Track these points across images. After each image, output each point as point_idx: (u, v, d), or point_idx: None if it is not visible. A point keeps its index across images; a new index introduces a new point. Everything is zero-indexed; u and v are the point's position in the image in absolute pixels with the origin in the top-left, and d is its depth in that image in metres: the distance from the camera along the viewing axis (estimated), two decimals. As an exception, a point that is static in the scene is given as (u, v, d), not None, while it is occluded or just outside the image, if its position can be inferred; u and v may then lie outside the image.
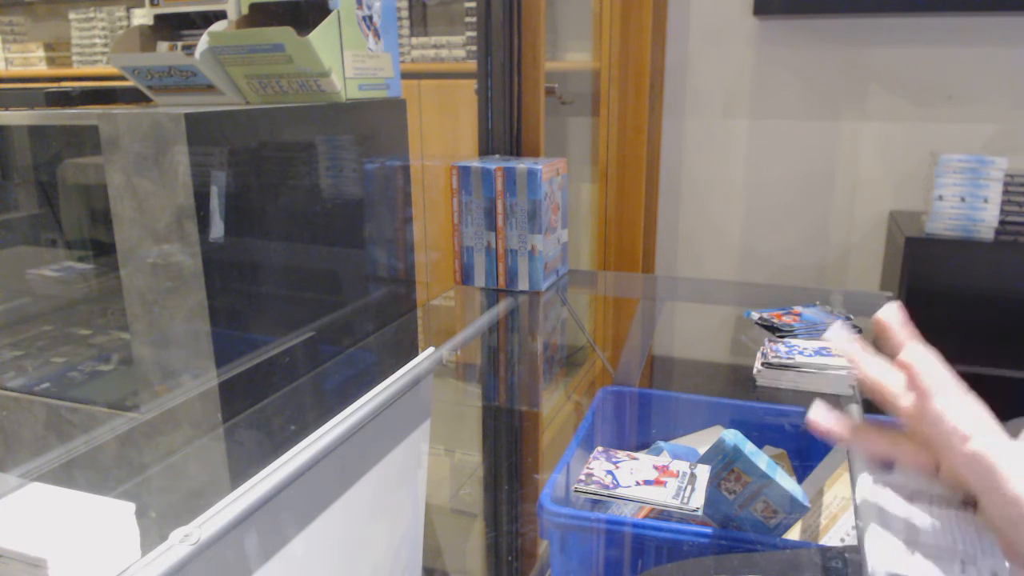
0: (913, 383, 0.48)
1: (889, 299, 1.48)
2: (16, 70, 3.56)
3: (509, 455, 1.48)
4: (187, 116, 0.87)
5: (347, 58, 1.15)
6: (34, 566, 0.56)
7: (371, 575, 0.83)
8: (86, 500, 0.63)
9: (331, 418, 0.72)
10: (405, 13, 2.77)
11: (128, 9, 3.40)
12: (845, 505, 0.93)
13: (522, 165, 1.38)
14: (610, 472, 0.89)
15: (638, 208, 2.38)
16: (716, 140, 2.50)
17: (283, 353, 1.06)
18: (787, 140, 2.42)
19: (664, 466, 0.90)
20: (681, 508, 0.82)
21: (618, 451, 0.94)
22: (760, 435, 1.14)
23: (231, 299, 0.96)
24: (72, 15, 3.45)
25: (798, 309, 1.32)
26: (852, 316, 1.29)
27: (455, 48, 2.72)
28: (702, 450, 0.99)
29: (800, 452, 1.13)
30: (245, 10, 1.13)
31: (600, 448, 0.95)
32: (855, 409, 0.86)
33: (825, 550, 0.75)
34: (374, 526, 0.82)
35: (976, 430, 0.45)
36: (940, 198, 1.97)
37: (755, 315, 1.30)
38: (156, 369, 0.97)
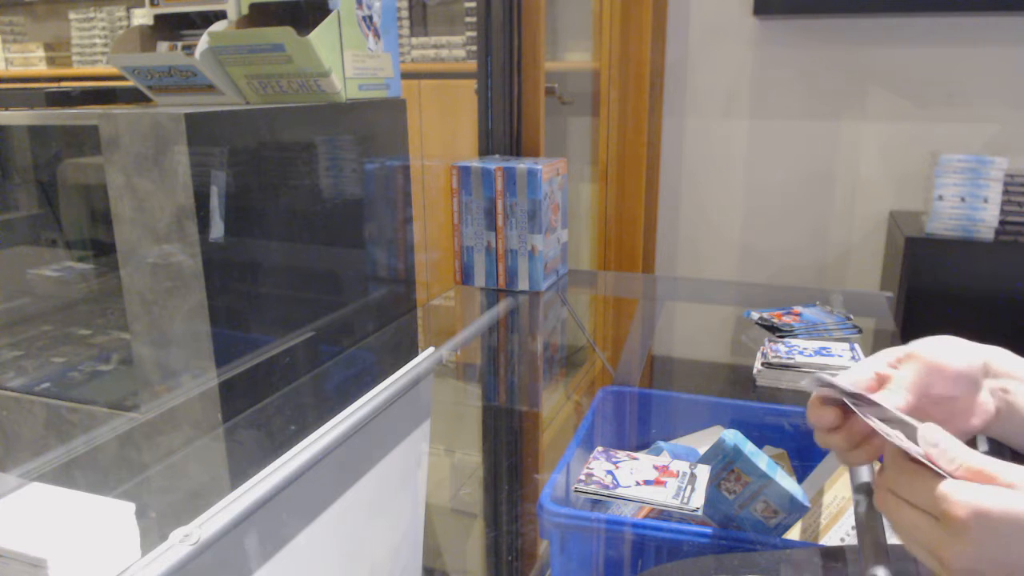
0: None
1: (889, 299, 1.48)
2: (16, 70, 3.56)
3: (509, 455, 1.48)
4: (187, 116, 0.87)
5: (347, 58, 1.15)
6: (34, 566, 0.56)
7: (371, 575, 0.83)
8: (86, 500, 0.63)
9: (331, 418, 0.72)
10: (405, 13, 2.77)
11: (128, 9, 3.40)
12: (845, 505, 0.93)
13: (522, 165, 1.38)
14: (610, 472, 0.89)
15: (638, 208, 2.38)
16: (716, 140, 2.50)
17: (283, 353, 1.06)
18: (787, 140, 2.42)
19: (664, 466, 0.90)
20: (681, 508, 0.82)
21: (618, 451, 0.94)
22: (760, 435, 1.13)
23: (231, 299, 0.96)
24: (72, 15, 3.45)
25: (798, 309, 1.32)
26: (852, 316, 1.29)
27: (455, 48, 2.72)
28: (702, 450, 0.99)
29: (800, 452, 1.13)
30: (245, 10, 1.13)
31: (600, 448, 0.95)
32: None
33: (825, 550, 0.75)
34: (374, 526, 0.82)
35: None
36: (940, 198, 1.97)
37: (755, 315, 1.30)
38: (156, 369, 0.97)
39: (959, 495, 0.44)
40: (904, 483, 0.49)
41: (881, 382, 0.58)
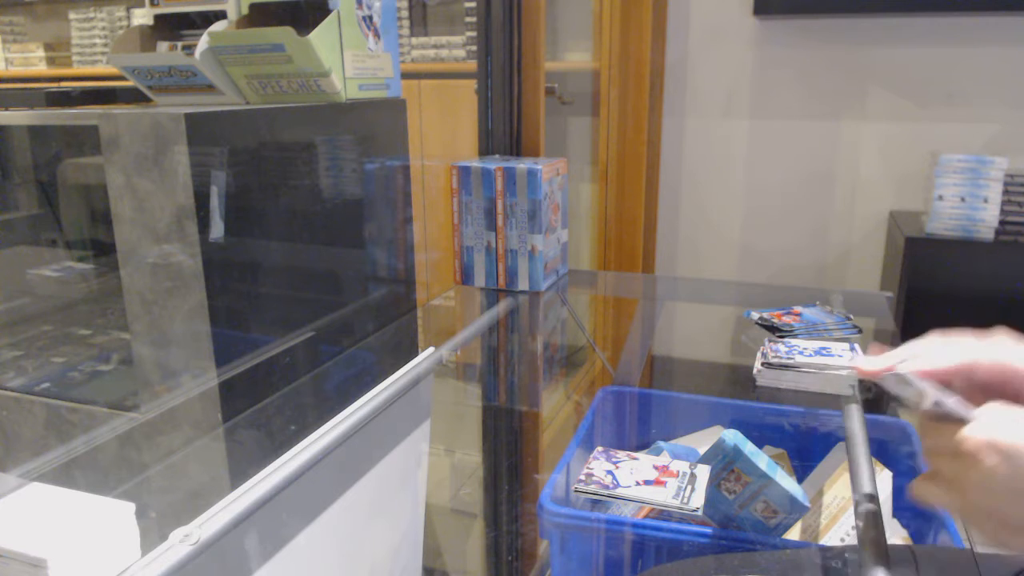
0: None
1: (889, 299, 1.48)
2: (16, 70, 3.56)
3: (509, 455, 1.48)
4: (187, 116, 0.87)
5: (347, 58, 1.15)
6: (34, 566, 0.56)
7: (371, 575, 0.83)
8: (86, 500, 0.63)
9: (331, 418, 0.72)
10: (405, 13, 2.77)
11: (128, 9, 3.40)
12: (845, 505, 0.93)
13: (522, 165, 1.38)
14: (610, 472, 0.89)
15: (638, 208, 2.38)
16: (716, 140, 2.50)
17: (283, 353, 1.06)
18: (787, 140, 2.42)
19: (664, 466, 0.90)
20: (681, 508, 0.82)
21: (618, 451, 0.94)
22: (760, 435, 1.13)
23: (231, 299, 0.96)
24: (72, 15, 3.45)
25: (798, 309, 1.32)
26: (852, 316, 1.29)
27: (455, 48, 2.72)
28: (702, 450, 0.99)
29: (800, 452, 1.13)
30: (245, 10, 1.13)
31: (600, 448, 0.95)
32: (855, 409, 0.86)
33: (825, 550, 0.75)
34: (374, 526, 0.82)
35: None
36: (940, 198, 1.97)
37: (755, 315, 1.30)
38: (156, 369, 0.97)
39: (974, 431, 0.50)
40: (935, 436, 0.54)
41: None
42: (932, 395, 0.54)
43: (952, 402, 0.53)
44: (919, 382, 0.54)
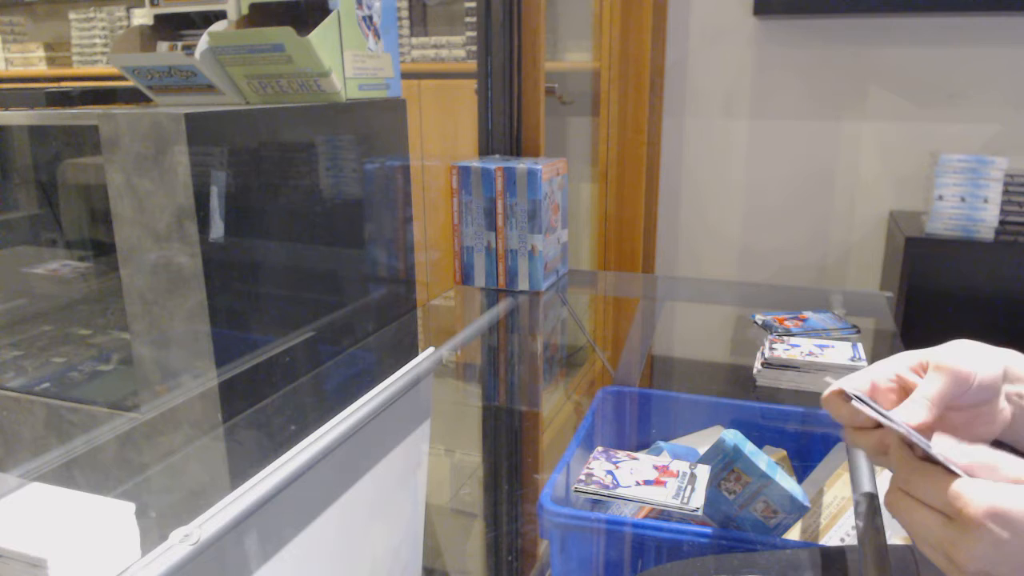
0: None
1: (889, 299, 1.47)
2: (16, 70, 3.56)
3: (509, 455, 1.48)
4: (187, 116, 0.87)
5: (347, 58, 1.15)
6: (34, 566, 0.56)
7: (371, 575, 0.83)
8: (86, 500, 0.63)
9: (331, 418, 0.72)
10: (405, 13, 2.77)
11: (128, 9, 3.40)
12: (845, 505, 0.93)
13: (522, 165, 1.38)
14: (610, 472, 0.89)
15: (638, 208, 2.38)
16: (716, 140, 2.50)
17: (283, 353, 1.06)
18: (787, 140, 2.42)
19: (664, 466, 0.90)
20: (681, 508, 0.82)
21: (618, 451, 0.94)
22: (760, 435, 1.13)
23: (231, 299, 0.96)
24: (72, 15, 3.45)
25: (806, 314, 1.32)
26: (859, 329, 1.28)
27: (455, 48, 2.72)
28: (702, 450, 0.99)
29: (800, 452, 1.13)
30: (245, 10, 1.13)
31: (600, 448, 0.95)
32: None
33: (825, 550, 0.75)
34: (374, 526, 0.82)
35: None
36: (940, 198, 1.97)
37: (759, 318, 1.29)
38: (156, 369, 0.97)
39: (975, 494, 0.43)
40: (916, 482, 0.48)
41: (902, 386, 0.57)
42: (905, 433, 0.49)
43: (940, 446, 0.47)
44: (895, 418, 0.51)
